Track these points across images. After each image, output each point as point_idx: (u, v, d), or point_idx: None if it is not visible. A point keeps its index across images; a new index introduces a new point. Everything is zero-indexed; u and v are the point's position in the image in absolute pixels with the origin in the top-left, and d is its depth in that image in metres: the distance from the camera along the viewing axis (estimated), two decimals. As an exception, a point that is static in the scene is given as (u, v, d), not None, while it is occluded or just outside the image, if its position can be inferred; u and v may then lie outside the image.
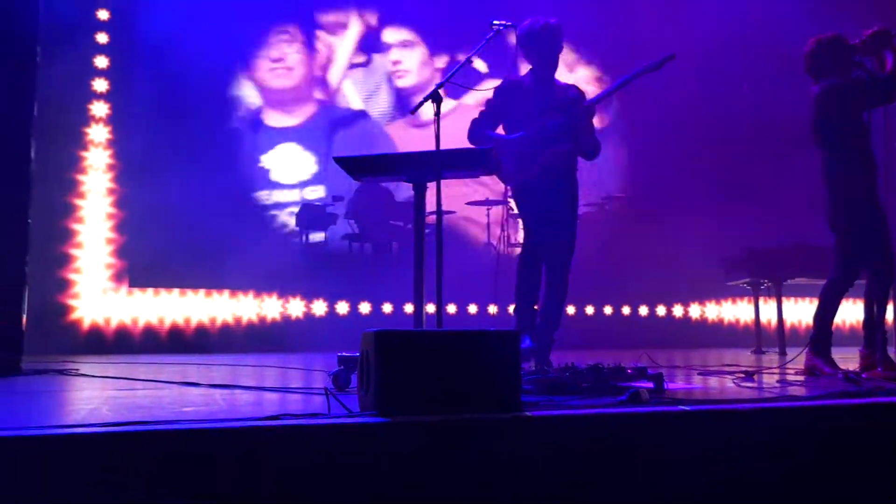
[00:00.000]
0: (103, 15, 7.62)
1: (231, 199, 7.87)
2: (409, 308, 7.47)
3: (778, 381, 3.69)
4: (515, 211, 9.37)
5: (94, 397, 3.15)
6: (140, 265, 7.43)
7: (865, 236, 4.05)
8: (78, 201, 7.39)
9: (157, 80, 7.61)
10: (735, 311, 9.32)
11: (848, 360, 4.24)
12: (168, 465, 1.95)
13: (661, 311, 9.29)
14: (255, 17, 8.53)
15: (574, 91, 4.31)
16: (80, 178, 7.42)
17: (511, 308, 4.34)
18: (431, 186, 3.32)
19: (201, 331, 7.62)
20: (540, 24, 4.12)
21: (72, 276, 7.24)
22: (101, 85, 7.56)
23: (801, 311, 8.76)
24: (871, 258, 4.08)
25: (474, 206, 8.93)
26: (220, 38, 7.74)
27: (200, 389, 3.42)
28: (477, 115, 4.25)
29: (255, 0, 8.51)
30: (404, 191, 8.38)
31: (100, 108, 7.55)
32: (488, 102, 4.27)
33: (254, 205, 8.49)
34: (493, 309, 8.28)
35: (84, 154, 7.45)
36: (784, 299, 7.07)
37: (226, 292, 7.83)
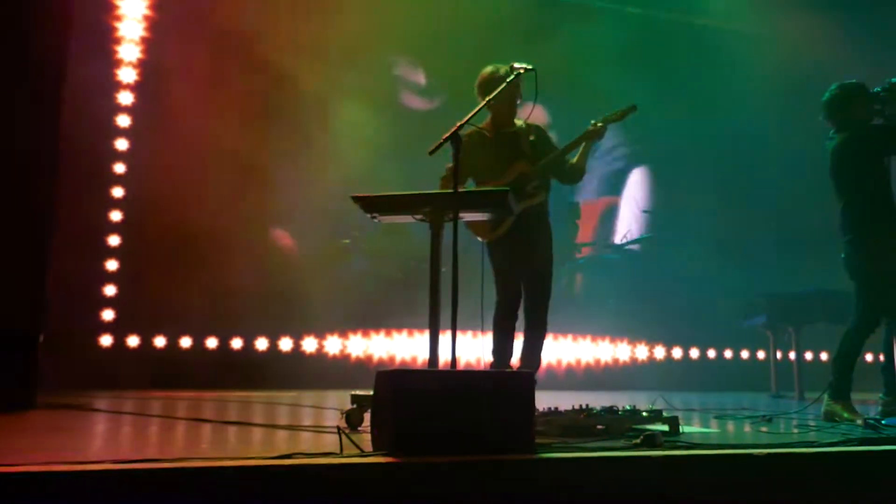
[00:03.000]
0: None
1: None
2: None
3: (796, 426, 3.63)
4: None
5: (104, 432, 3.16)
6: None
7: (886, 283, 4.02)
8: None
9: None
10: (753, 354, 9.22)
11: (868, 404, 4.18)
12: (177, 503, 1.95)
13: (677, 353, 9.20)
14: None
15: (535, 131, 4.19)
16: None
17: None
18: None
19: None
20: (499, 71, 4.00)
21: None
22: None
23: (819, 356, 8.67)
24: (892, 305, 4.05)
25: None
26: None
27: (213, 426, 3.42)
28: (445, 173, 4.00)
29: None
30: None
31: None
32: (455, 157, 3.85)
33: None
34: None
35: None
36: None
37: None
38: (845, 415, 3.92)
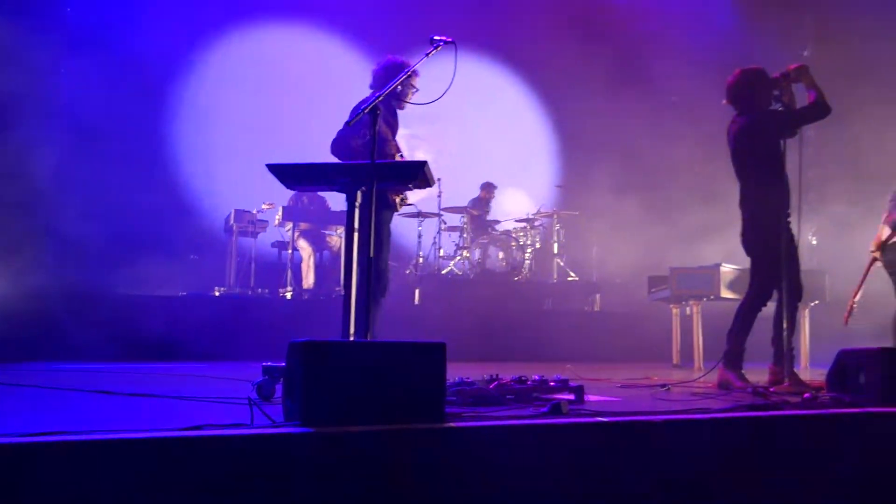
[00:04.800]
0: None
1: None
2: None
3: (692, 394, 3.83)
4: (447, 224, 9.52)
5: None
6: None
7: (779, 259, 4.25)
8: None
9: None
10: (658, 326, 9.60)
11: (758, 374, 4.44)
12: (84, 476, 1.91)
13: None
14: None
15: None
16: None
17: None
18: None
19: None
20: (391, 61, 4.44)
21: None
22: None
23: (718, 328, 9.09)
24: (783, 279, 4.29)
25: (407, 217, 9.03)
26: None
27: (119, 398, 3.34)
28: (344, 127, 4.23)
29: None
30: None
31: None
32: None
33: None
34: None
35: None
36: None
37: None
38: (737, 383, 4.16)
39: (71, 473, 1.90)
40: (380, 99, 3.32)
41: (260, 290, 8.67)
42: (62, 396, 3.42)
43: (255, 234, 8.86)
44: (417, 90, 4.52)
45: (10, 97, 6.50)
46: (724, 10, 9.94)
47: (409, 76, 4.09)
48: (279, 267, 8.96)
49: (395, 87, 3.61)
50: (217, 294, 8.55)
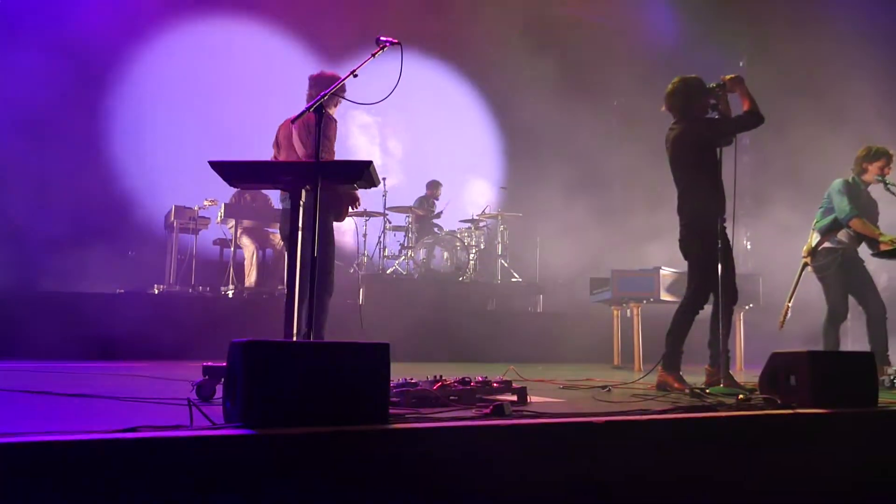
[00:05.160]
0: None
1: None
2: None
3: (632, 396, 3.91)
4: (392, 223, 9.50)
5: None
6: None
7: (715, 263, 4.36)
8: None
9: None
10: (599, 327, 9.75)
11: (696, 376, 4.55)
12: (11, 481, 1.84)
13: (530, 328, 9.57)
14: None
15: None
16: None
17: None
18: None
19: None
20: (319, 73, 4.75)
21: None
22: None
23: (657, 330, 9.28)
24: (719, 283, 4.40)
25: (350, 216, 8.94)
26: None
27: (52, 398, 3.23)
28: None
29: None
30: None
31: None
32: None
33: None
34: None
35: None
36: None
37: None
38: (675, 385, 4.25)
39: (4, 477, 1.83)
40: (324, 99, 3.31)
41: (201, 288, 8.50)
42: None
43: (196, 231, 8.68)
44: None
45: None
46: (666, 20, 10.16)
47: (339, 90, 4.03)
48: (220, 265, 8.80)
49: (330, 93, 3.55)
50: (156, 292, 8.35)
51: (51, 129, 7.96)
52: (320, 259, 3.70)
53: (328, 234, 4.70)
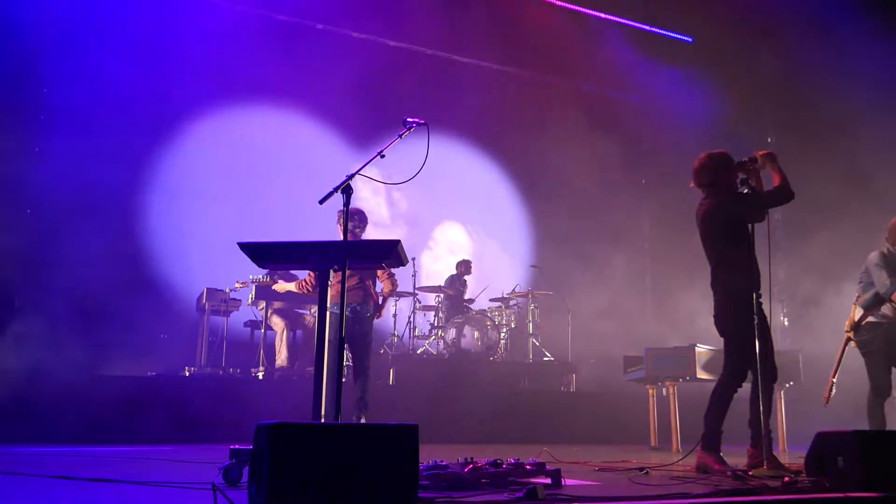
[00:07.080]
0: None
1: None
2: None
3: (671, 478, 3.76)
4: (422, 303, 9.52)
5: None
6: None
7: (752, 340, 4.25)
8: None
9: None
10: (634, 406, 9.51)
11: (737, 457, 4.37)
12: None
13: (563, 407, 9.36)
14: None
15: None
16: None
17: None
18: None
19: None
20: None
21: None
22: None
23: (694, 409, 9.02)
24: (758, 360, 4.28)
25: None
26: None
27: (80, 484, 3.20)
28: None
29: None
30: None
31: None
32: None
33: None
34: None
35: None
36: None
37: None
38: (716, 466, 4.09)
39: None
40: (351, 179, 3.35)
41: (231, 370, 8.49)
42: (22, 482, 3.28)
43: (227, 313, 8.73)
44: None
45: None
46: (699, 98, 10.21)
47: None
48: (251, 346, 8.80)
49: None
50: (187, 374, 8.35)
51: (87, 212, 8.10)
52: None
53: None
